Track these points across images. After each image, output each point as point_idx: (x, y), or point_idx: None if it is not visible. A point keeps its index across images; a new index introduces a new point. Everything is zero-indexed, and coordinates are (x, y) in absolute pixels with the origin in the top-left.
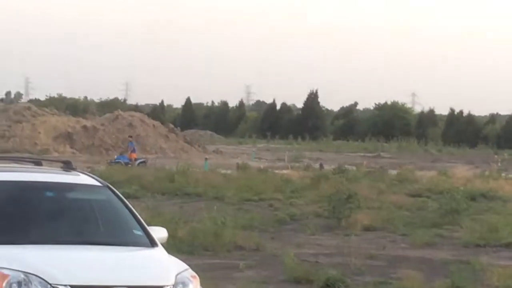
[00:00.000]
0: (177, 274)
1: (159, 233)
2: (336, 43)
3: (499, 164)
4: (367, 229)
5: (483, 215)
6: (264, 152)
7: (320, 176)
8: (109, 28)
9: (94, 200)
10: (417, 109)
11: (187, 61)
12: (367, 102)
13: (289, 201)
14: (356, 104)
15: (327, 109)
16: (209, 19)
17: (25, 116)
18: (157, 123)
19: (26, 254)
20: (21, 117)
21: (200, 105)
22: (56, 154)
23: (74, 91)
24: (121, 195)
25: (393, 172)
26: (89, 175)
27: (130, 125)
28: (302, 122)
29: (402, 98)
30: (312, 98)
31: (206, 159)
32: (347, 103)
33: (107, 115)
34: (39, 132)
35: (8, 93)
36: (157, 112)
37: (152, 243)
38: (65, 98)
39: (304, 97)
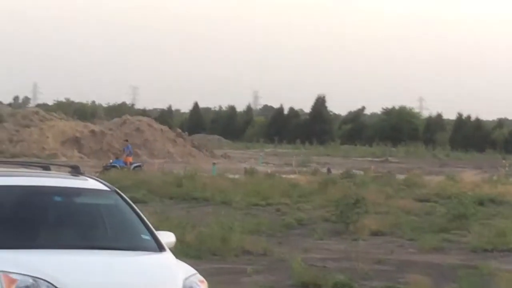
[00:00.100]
0: (185, 279)
1: (167, 237)
2: (344, 47)
3: (507, 169)
4: (374, 234)
5: (491, 220)
6: (272, 156)
7: (327, 180)
8: (117, 32)
9: (102, 204)
10: (425, 113)
11: (194, 65)
12: (374, 107)
13: (297, 205)
14: (363, 108)
15: (334, 114)
16: (216, 24)
17: (33, 121)
18: (164, 127)
19: (34, 259)
20: (29, 121)
21: (207, 109)
22: (64, 159)
23: (81, 96)
24: (129, 200)
25: (401, 177)
26: (97, 180)
27: (138, 129)
28: (310, 127)
29: (409, 102)
30: (320, 102)
31: (213, 163)
32: (354, 107)
33: (115, 119)
34: (47, 137)
35: (16, 98)
36: (165, 116)
37: (160, 248)
38: (72, 102)
39: (311, 102)
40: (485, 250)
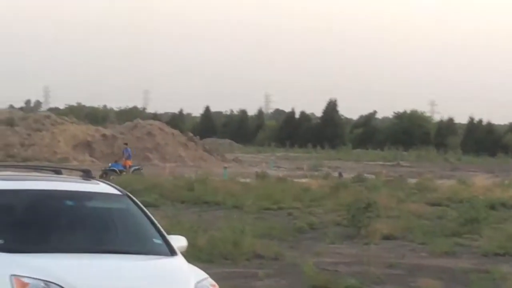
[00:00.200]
0: (197, 283)
1: (178, 241)
2: (356, 51)
3: None
4: (386, 238)
5: (503, 224)
6: (283, 160)
7: (339, 184)
8: (128, 37)
9: (114, 208)
10: (436, 117)
11: (206, 69)
12: (386, 111)
13: (308, 209)
14: (375, 112)
15: (346, 118)
16: (228, 27)
17: (44, 125)
18: (176, 131)
19: (45, 263)
20: (41, 125)
21: (219, 113)
22: (75, 163)
23: (93, 100)
24: (140, 204)
25: (412, 181)
26: (108, 184)
27: (149, 133)
28: (321, 131)
29: (421, 106)
30: (331, 106)
31: (225, 167)
32: (366, 111)
33: (126, 123)
34: (59, 141)
35: (27, 102)
36: (176, 120)
37: (171, 252)
38: (84, 106)
39: (323, 106)
40: (497, 254)
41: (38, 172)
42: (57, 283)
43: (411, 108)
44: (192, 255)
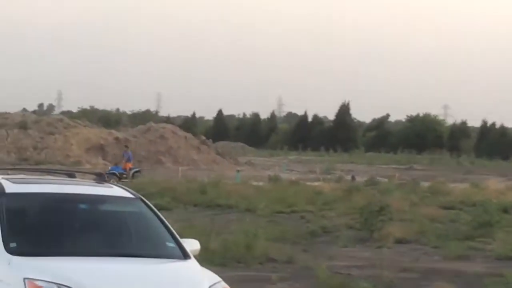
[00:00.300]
0: (210, 286)
1: (191, 245)
2: (368, 54)
3: None
4: (399, 241)
5: None
6: (296, 164)
7: (352, 188)
8: (140, 40)
9: (127, 212)
10: (449, 121)
11: (219, 73)
12: (399, 114)
13: (321, 213)
14: (388, 116)
15: (358, 121)
16: (240, 31)
17: (57, 128)
18: (188, 135)
19: (59, 266)
20: (54, 129)
21: (231, 117)
22: (88, 166)
23: (106, 103)
24: (153, 207)
25: (426, 184)
26: (122, 187)
27: (162, 137)
28: (334, 134)
29: (434, 110)
30: (344, 109)
31: (237, 171)
32: (379, 115)
33: (139, 127)
34: (72, 144)
35: (40, 105)
36: (189, 124)
37: (184, 255)
38: (97, 110)
39: (335, 109)
40: (510, 258)
41: (51, 175)
42: (70, 286)
43: (424, 112)
44: (205, 259)
